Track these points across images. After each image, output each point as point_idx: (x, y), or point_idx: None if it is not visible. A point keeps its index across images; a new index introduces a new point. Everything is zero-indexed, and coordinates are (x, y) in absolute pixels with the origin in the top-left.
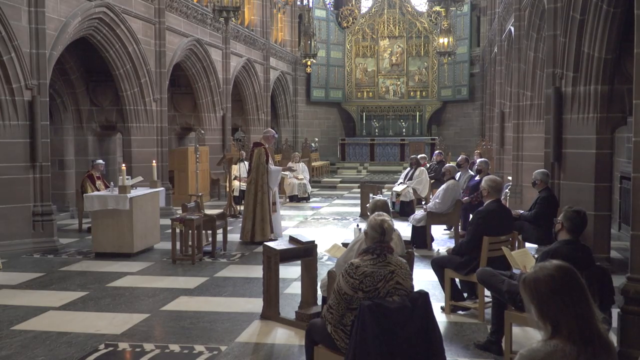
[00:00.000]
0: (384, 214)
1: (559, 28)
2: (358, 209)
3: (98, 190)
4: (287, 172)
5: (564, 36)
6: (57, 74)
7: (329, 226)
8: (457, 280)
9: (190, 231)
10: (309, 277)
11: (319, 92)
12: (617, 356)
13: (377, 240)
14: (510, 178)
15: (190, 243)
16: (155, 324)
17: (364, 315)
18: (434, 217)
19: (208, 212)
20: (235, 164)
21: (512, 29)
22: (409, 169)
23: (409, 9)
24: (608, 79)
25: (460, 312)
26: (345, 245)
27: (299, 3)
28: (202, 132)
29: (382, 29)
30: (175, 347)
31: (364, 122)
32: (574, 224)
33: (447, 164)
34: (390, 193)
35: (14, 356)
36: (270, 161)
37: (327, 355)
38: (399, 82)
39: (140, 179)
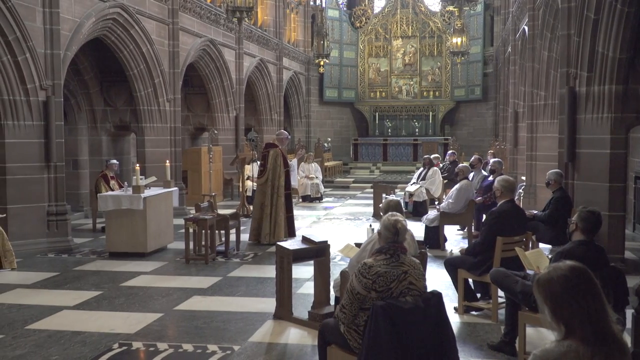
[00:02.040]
0: (398, 214)
1: (573, 27)
2: (371, 209)
3: (112, 190)
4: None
5: (578, 36)
6: (72, 74)
7: (341, 226)
8: (470, 280)
9: (203, 231)
10: (321, 277)
11: (331, 92)
12: (631, 357)
13: (391, 240)
14: (524, 178)
15: (203, 243)
16: (169, 324)
17: (377, 315)
18: (447, 218)
19: (221, 212)
20: (248, 164)
21: (526, 28)
22: (422, 169)
23: (422, 9)
24: (622, 79)
25: (473, 312)
26: (358, 245)
27: (312, 3)
28: (215, 132)
29: (395, 29)
30: (188, 347)
31: (377, 122)
32: (588, 224)
33: (460, 164)
34: (403, 193)
35: (29, 355)
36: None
37: (340, 355)
38: (412, 82)
39: (153, 178)
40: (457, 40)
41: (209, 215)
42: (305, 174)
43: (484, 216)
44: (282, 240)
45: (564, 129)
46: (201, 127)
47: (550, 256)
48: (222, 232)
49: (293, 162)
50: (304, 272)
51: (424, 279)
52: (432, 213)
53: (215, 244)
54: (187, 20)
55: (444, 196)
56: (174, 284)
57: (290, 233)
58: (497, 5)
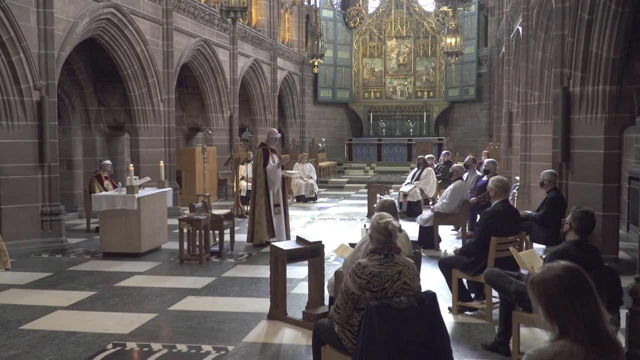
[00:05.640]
0: (386, 215)
1: (567, 28)
2: (365, 209)
3: (106, 190)
4: (291, 172)
5: (572, 36)
6: (66, 74)
7: (336, 226)
8: (464, 280)
9: (197, 231)
10: (316, 277)
11: (326, 93)
12: (625, 357)
13: (384, 241)
14: (518, 178)
15: (197, 243)
16: (163, 324)
17: (372, 315)
18: (441, 218)
19: (215, 212)
20: (243, 164)
21: (520, 28)
22: (416, 169)
23: (417, 9)
24: (616, 79)
25: (467, 312)
26: (352, 245)
27: (306, 3)
28: (210, 132)
29: (389, 29)
30: (182, 347)
31: (371, 122)
32: (582, 224)
33: (455, 164)
34: (397, 193)
35: (23, 355)
36: (271, 160)
37: (335, 355)
38: (406, 82)
39: (148, 179)
40: (451, 40)
41: (203, 216)
42: (300, 174)
43: (478, 216)
44: (265, 241)
45: (558, 129)
46: (195, 127)
47: (544, 256)
48: (217, 232)
49: (271, 166)
50: (298, 272)
51: (419, 279)
52: (426, 213)
53: (210, 244)
54: (181, 20)
55: (438, 196)
56: (168, 284)
57: (272, 234)
58: (491, 5)
